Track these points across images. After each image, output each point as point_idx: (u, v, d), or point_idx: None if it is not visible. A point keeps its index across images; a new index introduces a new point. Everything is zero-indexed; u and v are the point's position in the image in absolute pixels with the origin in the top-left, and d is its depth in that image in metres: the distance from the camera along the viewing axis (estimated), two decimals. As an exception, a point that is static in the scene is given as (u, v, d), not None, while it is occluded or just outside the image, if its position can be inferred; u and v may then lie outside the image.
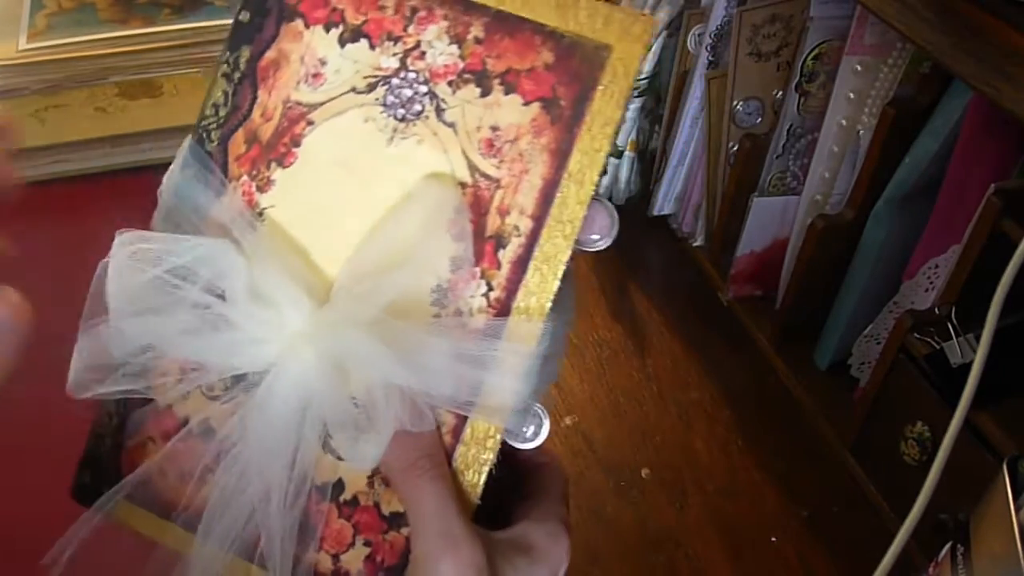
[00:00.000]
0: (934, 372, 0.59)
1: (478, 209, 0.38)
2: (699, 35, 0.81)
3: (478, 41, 0.38)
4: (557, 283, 0.37)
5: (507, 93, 0.38)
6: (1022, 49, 0.45)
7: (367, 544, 0.40)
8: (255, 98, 0.41)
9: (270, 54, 0.41)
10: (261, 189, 0.40)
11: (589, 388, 0.76)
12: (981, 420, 0.55)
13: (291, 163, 0.40)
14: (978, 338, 0.50)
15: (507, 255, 0.38)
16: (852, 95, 0.69)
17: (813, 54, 0.71)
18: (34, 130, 0.86)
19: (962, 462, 0.50)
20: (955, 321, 0.58)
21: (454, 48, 0.38)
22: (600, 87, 0.37)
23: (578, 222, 0.37)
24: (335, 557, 0.40)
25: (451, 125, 0.38)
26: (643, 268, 0.89)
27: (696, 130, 0.84)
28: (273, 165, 0.40)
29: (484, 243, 0.38)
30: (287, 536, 0.39)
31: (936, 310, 0.60)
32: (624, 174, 0.92)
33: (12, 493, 0.63)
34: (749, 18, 0.74)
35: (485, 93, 0.38)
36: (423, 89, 0.39)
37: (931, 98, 0.63)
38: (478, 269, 0.38)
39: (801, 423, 0.74)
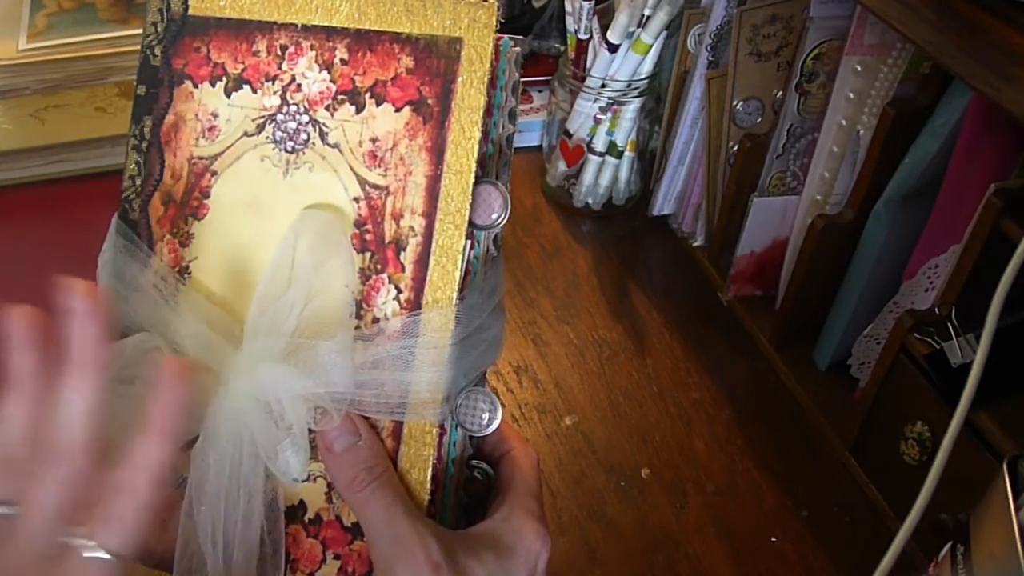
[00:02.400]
0: (934, 372, 0.59)
1: (374, 218, 0.40)
2: (699, 35, 0.81)
3: (344, 62, 0.41)
4: (459, 273, 0.39)
5: (378, 104, 0.40)
6: (1022, 49, 0.45)
7: (337, 558, 0.41)
8: (163, 162, 0.43)
9: (169, 118, 0.43)
10: (183, 244, 0.43)
11: (589, 388, 0.76)
12: (981, 420, 0.55)
13: (205, 214, 0.43)
14: (978, 338, 0.50)
15: (408, 256, 0.40)
16: (852, 95, 0.69)
17: (813, 54, 0.71)
18: (34, 130, 0.86)
19: (962, 462, 0.50)
20: (955, 321, 0.58)
21: (324, 74, 0.41)
22: (460, 79, 0.39)
23: (465, 210, 0.39)
24: None
25: (335, 146, 0.41)
26: (643, 268, 0.89)
27: (696, 130, 0.84)
28: (190, 219, 0.43)
29: (386, 249, 0.40)
30: (255, 561, 0.40)
31: (936, 310, 0.60)
32: (624, 174, 0.92)
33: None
34: (749, 18, 0.74)
35: (359, 109, 0.40)
36: (305, 119, 0.41)
37: (931, 98, 0.63)
38: (386, 275, 0.40)
39: (801, 423, 0.74)
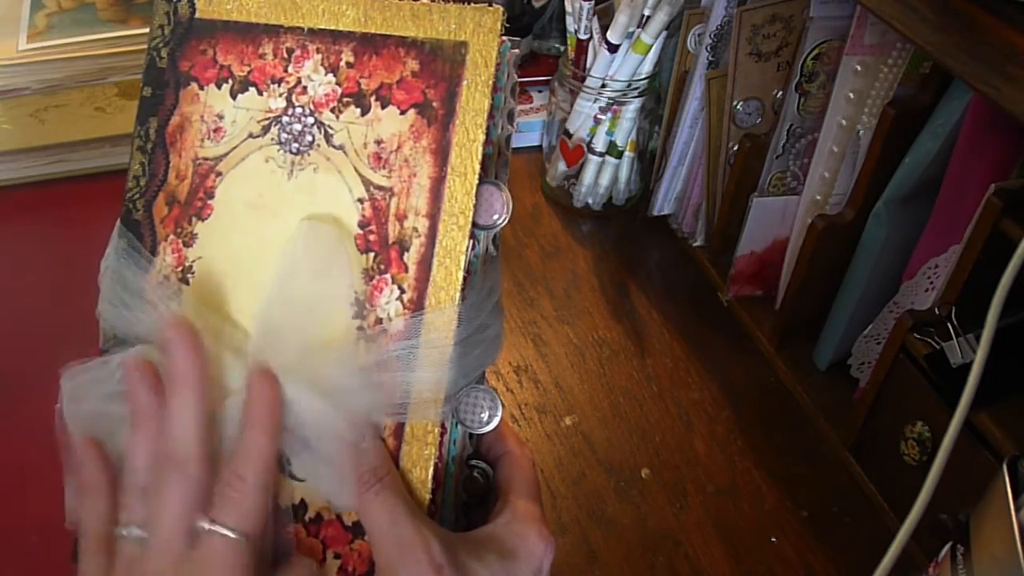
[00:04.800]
0: (934, 372, 0.59)
1: (378, 219, 0.40)
2: (699, 35, 0.81)
3: (350, 65, 0.41)
4: (461, 273, 0.39)
5: (384, 107, 0.40)
6: (1022, 49, 0.45)
7: (337, 557, 0.41)
8: (168, 163, 0.44)
9: (174, 120, 0.44)
10: (187, 244, 0.43)
11: (589, 388, 0.76)
12: (981, 420, 0.55)
13: (208, 215, 0.43)
14: (978, 338, 0.50)
15: (412, 257, 0.40)
16: (852, 95, 0.69)
17: (813, 54, 0.72)
18: (34, 130, 0.86)
19: (962, 462, 0.50)
20: (955, 321, 0.58)
21: (330, 77, 0.41)
22: (465, 82, 0.39)
23: (469, 212, 0.39)
24: None
25: (340, 148, 0.41)
26: (643, 268, 0.89)
27: (696, 130, 0.84)
28: (194, 220, 0.43)
29: (390, 250, 0.40)
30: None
31: (936, 310, 0.60)
32: (624, 174, 0.92)
33: (14, 492, 0.63)
34: (749, 18, 0.74)
35: (365, 111, 0.41)
36: (310, 121, 0.41)
37: (931, 98, 0.63)
38: (389, 276, 0.40)
39: (801, 423, 0.74)
